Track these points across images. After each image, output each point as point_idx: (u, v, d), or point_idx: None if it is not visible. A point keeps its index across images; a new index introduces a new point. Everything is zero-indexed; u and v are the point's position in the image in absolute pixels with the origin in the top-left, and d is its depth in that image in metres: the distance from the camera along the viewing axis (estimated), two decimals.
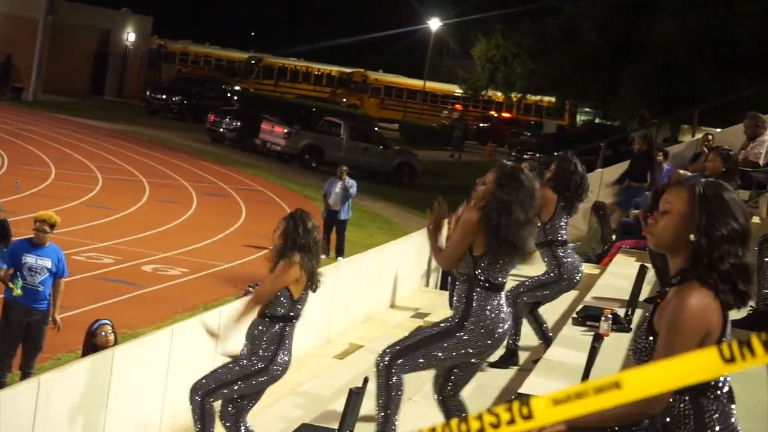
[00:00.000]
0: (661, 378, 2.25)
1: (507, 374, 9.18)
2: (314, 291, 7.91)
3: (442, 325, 6.70)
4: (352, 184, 21.40)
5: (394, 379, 6.59)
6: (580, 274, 9.39)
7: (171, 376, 9.98)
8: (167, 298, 16.64)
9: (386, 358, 6.63)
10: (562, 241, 9.17)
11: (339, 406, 7.52)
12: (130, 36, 60.11)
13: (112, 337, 10.19)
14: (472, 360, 6.66)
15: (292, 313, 7.80)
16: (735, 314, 6.88)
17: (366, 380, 7.68)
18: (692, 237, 3.57)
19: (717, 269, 3.54)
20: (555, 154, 9.66)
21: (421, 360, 6.58)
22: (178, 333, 10.20)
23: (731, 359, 2.15)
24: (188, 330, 10.51)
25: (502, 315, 6.54)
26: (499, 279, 6.58)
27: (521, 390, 7.49)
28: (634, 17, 43.49)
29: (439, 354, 6.54)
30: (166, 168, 32.04)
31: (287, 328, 7.78)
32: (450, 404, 6.80)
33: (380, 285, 15.68)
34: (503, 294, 6.69)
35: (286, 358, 7.76)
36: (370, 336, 13.35)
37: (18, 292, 11.24)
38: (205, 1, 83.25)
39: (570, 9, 49.62)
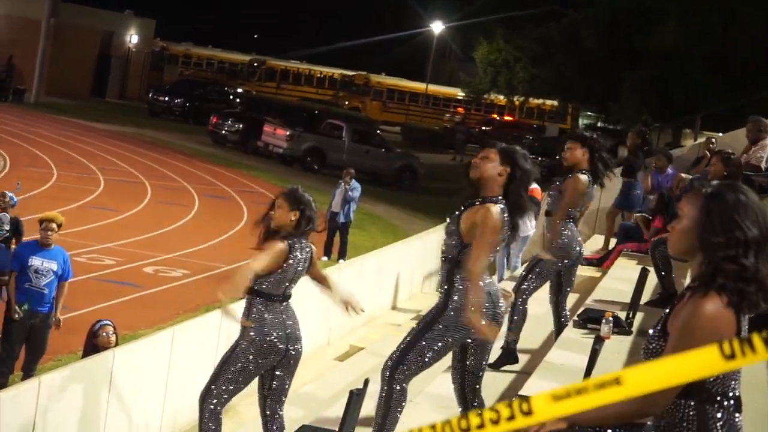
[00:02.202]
0: (662, 375, 2.25)
1: (508, 377, 9.17)
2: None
3: (427, 315, 6.71)
4: (354, 187, 21.39)
5: (397, 388, 6.58)
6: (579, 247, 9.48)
7: (172, 377, 9.99)
8: (168, 299, 16.64)
9: (387, 371, 6.62)
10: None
11: (339, 408, 7.51)
12: (132, 38, 60.11)
13: (113, 338, 10.18)
14: (469, 340, 6.61)
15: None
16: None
17: (366, 382, 7.67)
18: (703, 240, 3.55)
19: (722, 275, 3.50)
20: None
21: (419, 358, 6.56)
22: (178, 334, 10.21)
23: (731, 356, 2.15)
24: (189, 331, 10.52)
25: (492, 295, 6.55)
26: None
27: (522, 392, 7.49)
28: (636, 23, 43.53)
29: (435, 344, 6.52)
30: (168, 170, 32.05)
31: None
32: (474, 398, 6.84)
33: (382, 287, 15.70)
34: (494, 278, 6.72)
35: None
36: (371, 338, 13.36)
37: (20, 314, 11.27)
38: (208, 3, 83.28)
39: (572, 14, 49.65)
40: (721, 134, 25.45)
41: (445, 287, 6.60)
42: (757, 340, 2.15)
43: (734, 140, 19.13)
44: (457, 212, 6.72)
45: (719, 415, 3.58)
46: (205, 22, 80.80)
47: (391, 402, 6.59)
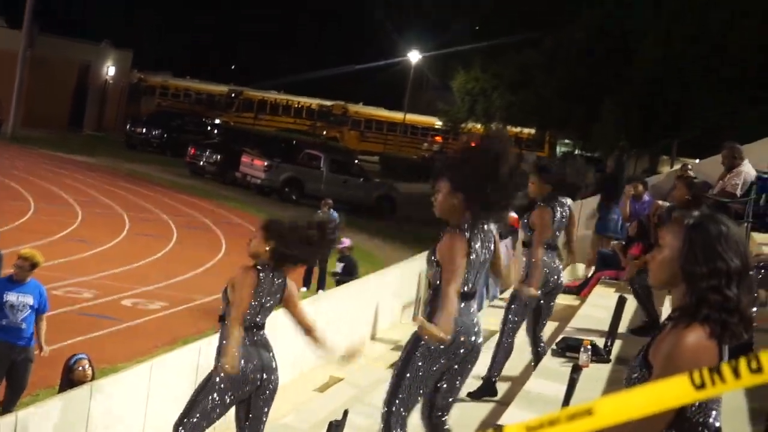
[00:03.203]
0: (633, 405, 2.25)
1: (486, 407, 9.16)
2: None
3: (407, 345, 6.67)
4: (333, 217, 21.39)
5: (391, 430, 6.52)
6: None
7: (150, 411, 9.93)
8: (147, 332, 16.58)
9: (383, 415, 6.56)
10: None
11: None
12: (109, 70, 60.07)
13: (89, 372, 10.13)
14: (453, 366, 6.58)
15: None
16: None
17: (346, 413, 7.66)
18: (685, 271, 3.55)
19: (706, 305, 3.50)
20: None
21: (407, 394, 6.49)
22: (156, 367, 10.16)
23: (702, 385, 2.16)
24: (167, 364, 10.47)
25: (471, 323, 6.52)
26: (467, 287, 6.54)
27: (500, 422, 7.48)
28: (616, 48, 43.71)
29: (418, 373, 6.47)
30: (145, 202, 31.98)
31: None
32: (440, 430, 6.76)
33: (360, 317, 15.67)
34: (473, 303, 6.65)
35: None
36: (350, 368, 13.31)
37: None
38: (185, 34, 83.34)
39: (550, 40, 49.85)
40: (698, 160, 25.53)
41: (429, 311, 6.56)
42: (726, 369, 2.15)
43: (711, 166, 19.22)
44: (436, 242, 6.72)
45: None
46: (183, 52, 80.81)
47: None
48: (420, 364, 6.44)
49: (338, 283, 18.98)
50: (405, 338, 14.77)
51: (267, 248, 7.43)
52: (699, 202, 10.54)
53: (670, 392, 2.23)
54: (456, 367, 6.58)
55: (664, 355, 3.50)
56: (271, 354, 7.52)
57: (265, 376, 7.41)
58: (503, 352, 9.35)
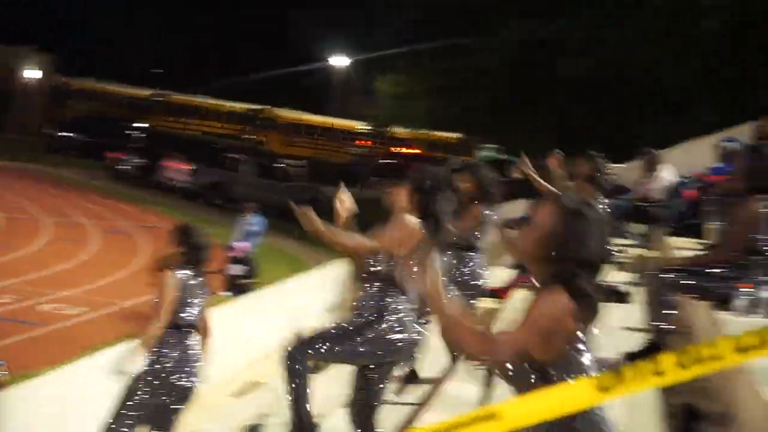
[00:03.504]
0: (538, 408, 2.25)
1: (404, 409, 9.15)
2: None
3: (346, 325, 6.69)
4: (256, 222, 21.30)
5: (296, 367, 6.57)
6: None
7: (68, 417, 9.79)
8: (65, 337, 16.36)
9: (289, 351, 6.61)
10: None
11: None
12: (32, 73, 59.33)
13: (2, 378, 9.97)
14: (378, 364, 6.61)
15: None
16: (628, 347, 6.97)
17: (263, 417, 7.61)
18: (553, 253, 3.63)
19: (571, 284, 3.57)
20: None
21: (328, 350, 6.54)
22: (74, 373, 10.03)
23: (606, 389, 2.16)
24: (86, 369, 10.33)
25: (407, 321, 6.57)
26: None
27: (417, 424, 7.48)
28: (539, 55, 44.06)
29: (345, 348, 6.51)
30: (67, 206, 31.63)
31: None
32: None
33: (282, 321, 15.61)
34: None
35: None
36: (270, 372, 13.25)
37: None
38: (110, 39, 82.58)
39: (474, 47, 50.12)
40: (618, 165, 25.78)
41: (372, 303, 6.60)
42: (629, 372, 2.16)
43: (631, 171, 19.45)
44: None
45: None
46: (107, 57, 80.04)
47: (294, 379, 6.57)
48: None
49: (236, 286, 18.71)
50: None
51: (182, 251, 7.46)
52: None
53: (574, 395, 2.24)
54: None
55: (527, 313, 3.59)
56: (194, 356, 7.50)
57: (183, 378, 7.38)
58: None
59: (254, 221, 21.26)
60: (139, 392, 7.33)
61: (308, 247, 30.88)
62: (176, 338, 7.46)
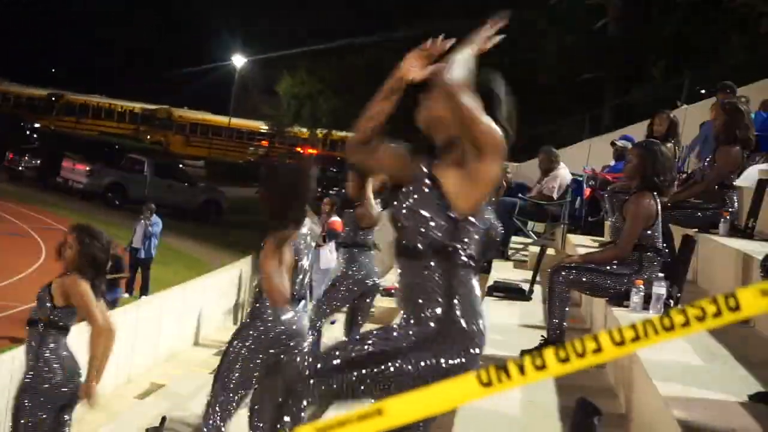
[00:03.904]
0: (422, 404, 2.30)
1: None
2: None
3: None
4: (155, 222, 21.15)
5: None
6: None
7: None
8: None
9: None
10: None
11: None
12: None
13: None
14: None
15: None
16: (529, 343, 7.10)
17: (164, 419, 7.59)
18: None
19: None
20: None
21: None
22: None
23: (488, 383, 2.23)
24: None
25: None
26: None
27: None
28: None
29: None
30: None
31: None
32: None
33: (184, 322, 15.55)
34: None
35: None
36: (172, 374, 13.19)
37: None
38: (4, 37, 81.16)
39: (372, 46, 50.29)
40: (517, 164, 26.12)
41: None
42: (512, 367, 2.22)
43: (529, 170, 19.71)
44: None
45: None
46: (1, 55, 78.64)
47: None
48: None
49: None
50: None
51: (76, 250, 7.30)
52: None
53: (458, 391, 2.29)
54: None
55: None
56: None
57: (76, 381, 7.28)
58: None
59: (154, 222, 21.11)
60: (32, 403, 7.15)
61: (209, 248, 30.74)
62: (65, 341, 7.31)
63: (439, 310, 3.69)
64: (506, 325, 8.82)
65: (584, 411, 4.08)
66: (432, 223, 3.73)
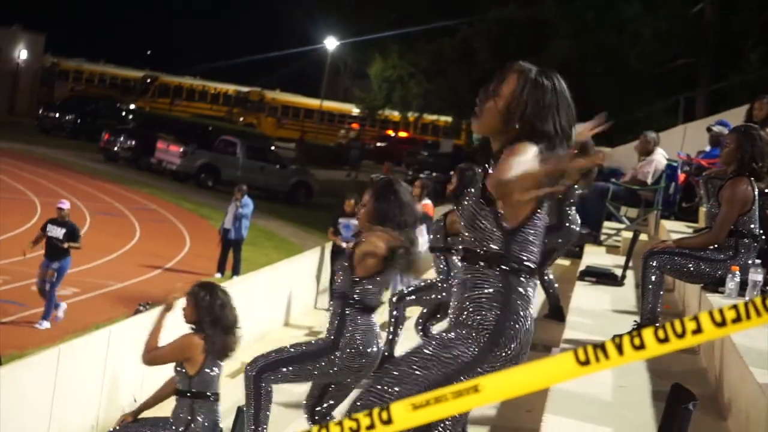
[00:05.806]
0: (519, 382, 2.28)
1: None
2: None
3: (314, 342, 6.63)
4: (246, 204, 21.29)
5: (263, 386, 6.51)
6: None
7: (57, 397, 9.82)
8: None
9: (254, 371, 6.55)
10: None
11: (228, 423, 7.48)
12: (21, 53, 59.17)
13: None
14: (348, 379, 6.58)
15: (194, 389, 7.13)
16: (621, 329, 7.02)
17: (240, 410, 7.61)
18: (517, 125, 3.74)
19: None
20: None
21: (292, 374, 6.47)
22: (64, 353, 10.05)
23: (586, 362, 2.20)
24: (75, 350, 10.36)
25: (374, 334, 6.47)
26: (375, 301, 6.50)
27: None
28: (529, 38, 44.02)
29: (314, 372, 6.44)
30: (58, 187, 31.57)
31: (196, 406, 7.11)
32: (321, 422, 6.69)
33: (274, 303, 15.65)
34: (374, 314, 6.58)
35: None
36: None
37: None
38: (100, 19, 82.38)
39: (465, 29, 50.07)
40: (610, 149, 25.80)
41: (337, 321, 6.48)
42: (610, 347, 2.19)
43: (625, 154, 19.47)
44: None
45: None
46: (98, 37, 79.83)
47: (261, 398, 6.53)
48: (318, 366, 6.46)
49: (60, 249, 17.10)
50: (318, 324, 14.82)
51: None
52: None
53: (555, 369, 2.27)
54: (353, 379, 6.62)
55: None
56: None
57: None
58: (398, 321, 9.35)
59: (244, 203, 21.26)
60: None
61: (299, 229, 30.92)
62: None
63: (491, 317, 3.79)
64: (598, 310, 8.74)
65: (679, 396, 4.03)
66: (488, 233, 3.83)
